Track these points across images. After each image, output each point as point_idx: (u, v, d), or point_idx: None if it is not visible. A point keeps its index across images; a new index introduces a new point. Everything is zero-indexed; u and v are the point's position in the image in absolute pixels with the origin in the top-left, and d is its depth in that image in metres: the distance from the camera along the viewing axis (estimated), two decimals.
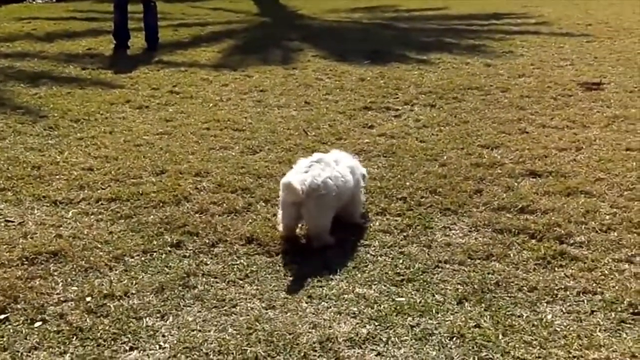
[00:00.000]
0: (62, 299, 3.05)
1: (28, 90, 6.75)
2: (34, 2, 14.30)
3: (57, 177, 4.49)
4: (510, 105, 6.26)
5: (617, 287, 3.12)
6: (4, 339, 2.76)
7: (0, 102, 6.35)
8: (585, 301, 3.02)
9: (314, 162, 3.63)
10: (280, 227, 3.66)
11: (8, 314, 2.92)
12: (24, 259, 3.37)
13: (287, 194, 3.47)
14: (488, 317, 2.90)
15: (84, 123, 5.74)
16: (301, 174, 3.52)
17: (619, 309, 2.95)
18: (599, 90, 6.73)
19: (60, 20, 11.43)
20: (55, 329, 2.83)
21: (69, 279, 3.22)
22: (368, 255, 3.47)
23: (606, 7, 13.38)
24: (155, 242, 3.59)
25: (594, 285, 3.15)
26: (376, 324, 2.86)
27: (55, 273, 3.27)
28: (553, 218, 3.81)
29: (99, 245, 3.55)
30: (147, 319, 2.90)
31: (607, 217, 3.83)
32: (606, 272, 3.26)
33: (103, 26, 10.46)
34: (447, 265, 3.35)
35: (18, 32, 10.24)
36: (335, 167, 3.63)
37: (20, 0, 14.12)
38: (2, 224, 3.80)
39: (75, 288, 3.14)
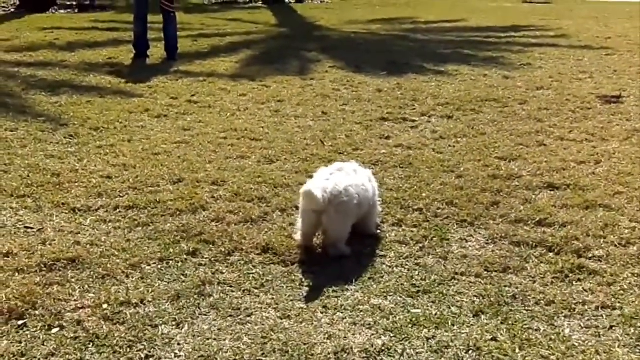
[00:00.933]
0: (79, 305, 3.07)
1: (49, 99, 6.84)
2: (57, 13, 14.52)
3: (76, 184, 4.54)
4: (529, 117, 6.22)
5: (636, 302, 3.08)
6: (22, 345, 2.78)
7: (22, 110, 6.44)
8: (604, 316, 2.98)
9: (335, 171, 3.64)
10: (298, 236, 3.66)
11: (26, 320, 2.94)
12: (43, 266, 3.40)
13: (307, 202, 3.47)
14: (505, 330, 2.87)
15: (103, 131, 5.80)
16: (322, 181, 3.52)
17: (639, 324, 2.91)
18: (619, 104, 6.67)
19: (82, 31, 11.60)
20: (72, 335, 2.84)
21: (86, 286, 3.24)
22: (384, 266, 3.46)
23: (626, 20, 13.30)
24: (171, 250, 3.61)
25: (613, 300, 3.10)
26: (391, 335, 2.84)
27: (73, 280, 3.29)
28: (571, 231, 3.77)
29: (116, 253, 3.57)
30: (163, 326, 2.91)
31: (627, 231, 3.79)
32: (625, 286, 3.22)
33: (123, 36, 10.60)
34: (464, 278, 3.33)
35: (41, 41, 10.40)
36: (355, 176, 3.64)
37: (44, 11, 14.35)
38: (22, 231, 3.85)
39: (92, 295, 3.16)
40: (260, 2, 17.63)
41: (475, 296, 3.15)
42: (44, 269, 3.38)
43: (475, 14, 14.65)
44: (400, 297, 3.15)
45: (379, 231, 3.83)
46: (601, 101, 6.76)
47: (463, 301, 3.11)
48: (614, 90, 7.23)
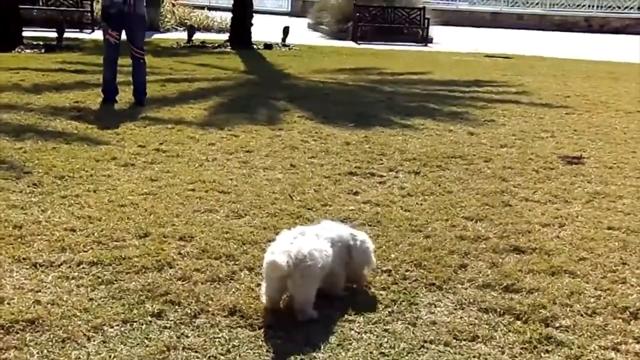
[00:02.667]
0: None
1: (13, 144, 6.68)
2: (23, 52, 14.34)
3: (39, 237, 4.41)
4: (493, 176, 6.34)
5: None
6: None
7: None
8: None
9: (297, 235, 3.63)
10: (264, 299, 3.62)
11: None
12: (0, 328, 3.27)
13: (271, 271, 3.45)
14: None
15: (68, 180, 5.68)
16: (285, 246, 3.51)
17: None
18: (580, 165, 6.86)
19: (49, 72, 11.45)
20: None
21: (45, 351, 3.12)
22: (352, 332, 3.43)
23: (583, 79, 13.79)
24: (135, 311, 3.51)
25: None
26: None
27: (31, 343, 3.17)
28: (538, 298, 3.81)
29: (78, 314, 3.46)
30: None
31: (592, 299, 3.84)
32: None
33: (91, 79, 10.51)
34: (433, 346, 3.32)
35: (5, 82, 10.22)
36: (317, 240, 3.64)
37: (9, 50, 14.14)
38: None
39: None
40: (229, 47, 17.76)
41: None
42: (1, 331, 3.25)
43: (439, 67, 15.01)
44: None
45: (346, 293, 3.81)
46: (563, 162, 6.93)
47: None
48: (574, 150, 7.44)
